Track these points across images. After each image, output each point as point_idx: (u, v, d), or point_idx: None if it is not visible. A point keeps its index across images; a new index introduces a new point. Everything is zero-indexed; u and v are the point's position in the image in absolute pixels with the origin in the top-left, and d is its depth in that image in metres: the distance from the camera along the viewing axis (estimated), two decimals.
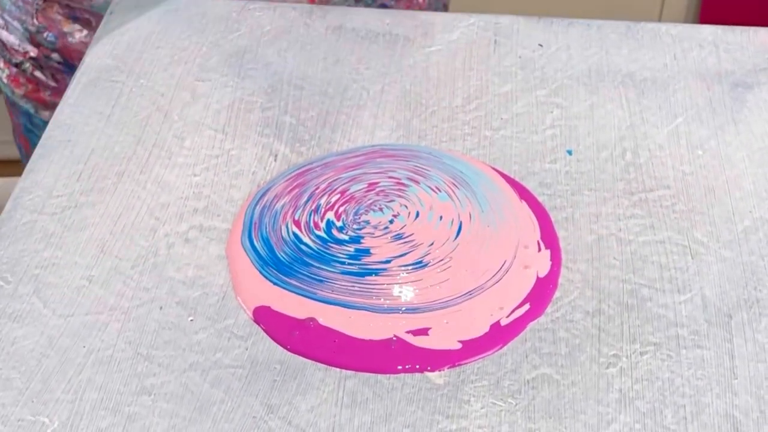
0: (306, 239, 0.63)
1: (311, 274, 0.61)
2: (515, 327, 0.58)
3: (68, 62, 0.90)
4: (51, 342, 0.57)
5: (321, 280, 0.60)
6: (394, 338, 0.57)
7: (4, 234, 0.63)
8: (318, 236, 0.63)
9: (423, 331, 0.58)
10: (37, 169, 0.67)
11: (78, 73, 0.75)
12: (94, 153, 0.69)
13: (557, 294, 0.60)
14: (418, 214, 0.64)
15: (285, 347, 0.57)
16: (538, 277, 0.61)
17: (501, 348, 0.57)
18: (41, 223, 0.64)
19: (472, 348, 0.57)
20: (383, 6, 0.84)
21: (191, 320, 0.58)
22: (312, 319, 0.58)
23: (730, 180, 0.67)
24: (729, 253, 0.62)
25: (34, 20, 0.87)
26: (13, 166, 1.85)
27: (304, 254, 0.62)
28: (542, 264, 0.61)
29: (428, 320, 0.58)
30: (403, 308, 0.59)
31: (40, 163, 0.68)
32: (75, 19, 0.87)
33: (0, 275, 0.61)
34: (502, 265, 0.61)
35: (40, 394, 0.55)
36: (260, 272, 0.61)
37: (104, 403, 0.54)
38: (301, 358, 0.57)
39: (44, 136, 0.70)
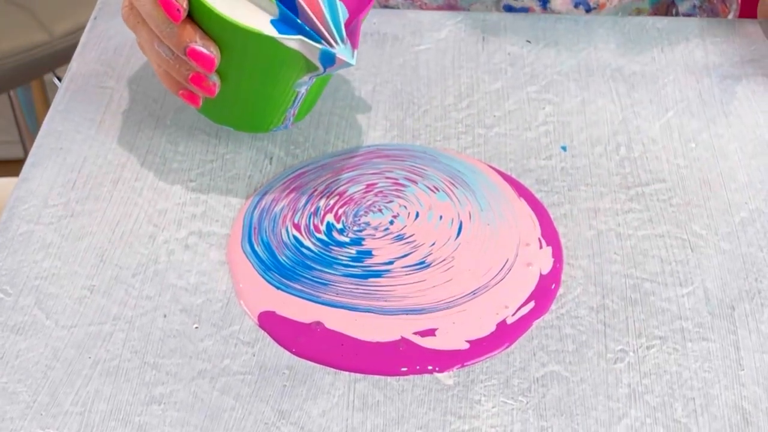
0: (307, 242, 0.62)
1: (314, 277, 0.60)
2: (521, 325, 0.58)
3: None
4: (56, 354, 0.57)
5: (325, 284, 0.60)
6: (402, 340, 0.57)
7: (1, 245, 0.62)
8: (319, 239, 0.63)
9: (430, 332, 0.58)
10: (30, 178, 0.67)
11: (65, 80, 0.74)
12: (87, 160, 0.68)
13: (560, 291, 0.60)
14: (417, 215, 0.64)
15: (292, 352, 0.57)
16: (540, 275, 0.61)
17: (508, 347, 0.57)
18: (38, 233, 0.63)
19: (480, 347, 0.57)
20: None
21: (196, 327, 0.58)
22: (318, 323, 0.58)
23: (725, 172, 0.67)
24: (728, 245, 0.63)
25: None
26: (14, 166, 1.84)
27: (306, 257, 0.61)
28: (544, 261, 0.62)
29: (434, 321, 0.58)
30: (409, 309, 0.59)
31: (33, 171, 0.67)
32: None
33: (0, 287, 0.60)
34: (505, 264, 0.61)
35: (48, 407, 0.54)
36: (263, 277, 0.60)
37: (114, 414, 0.54)
38: (309, 362, 0.56)
39: (35, 143, 0.69)
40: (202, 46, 0.60)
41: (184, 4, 0.59)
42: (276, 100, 0.64)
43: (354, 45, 0.62)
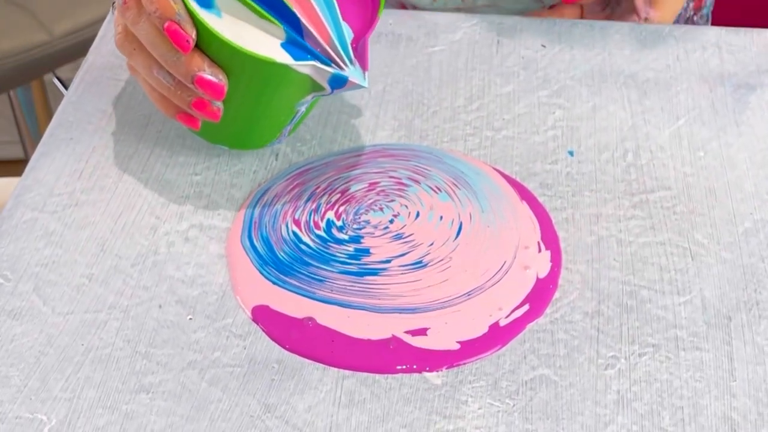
0: (306, 239, 0.63)
1: (310, 273, 0.61)
2: (514, 328, 0.58)
3: None
4: (50, 340, 0.57)
5: (320, 280, 0.60)
6: (393, 338, 0.57)
7: (4, 231, 0.63)
8: (318, 236, 0.63)
9: (421, 331, 0.58)
10: (38, 167, 0.68)
11: (81, 71, 0.75)
12: (95, 151, 0.69)
13: (556, 295, 0.60)
14: (418, 214, 0.64)
15: (283, 346, 0.57)
16: (537, 278, 0.60)
17: (499, 349, 0.57)
18: (42, 221, 0.64)
19: (471, 348, 0.57)
20: None
21: (190, 319, 0.58)
22: (310, 319, 0.58)
23: (731, 182, 0.67)
24: (729, 255, 0.62)
25: None
26: (14, 166, 1.86)
27: (304, 254, 0.62)
28: (542, 265, 0.61)
29: (427, 320, 0.58)
30: (402, 308, 0.59)
31: (41, 161, 0.68)
32: None
33: (0, 273, 0.61)
34: (502, 266, 0.61)
35: (38, 391, 0.55)
36: (259, 271, 0.61)
37: (102, 401, 0.54)
38: (299, 357, 0.57)
39: (46, 133, 0.70)
40: (210, 74, 0.59)
41: (193, 35, 0.58)
42: (276, 120, 0.64)
43: (364, 66, 0.61)
